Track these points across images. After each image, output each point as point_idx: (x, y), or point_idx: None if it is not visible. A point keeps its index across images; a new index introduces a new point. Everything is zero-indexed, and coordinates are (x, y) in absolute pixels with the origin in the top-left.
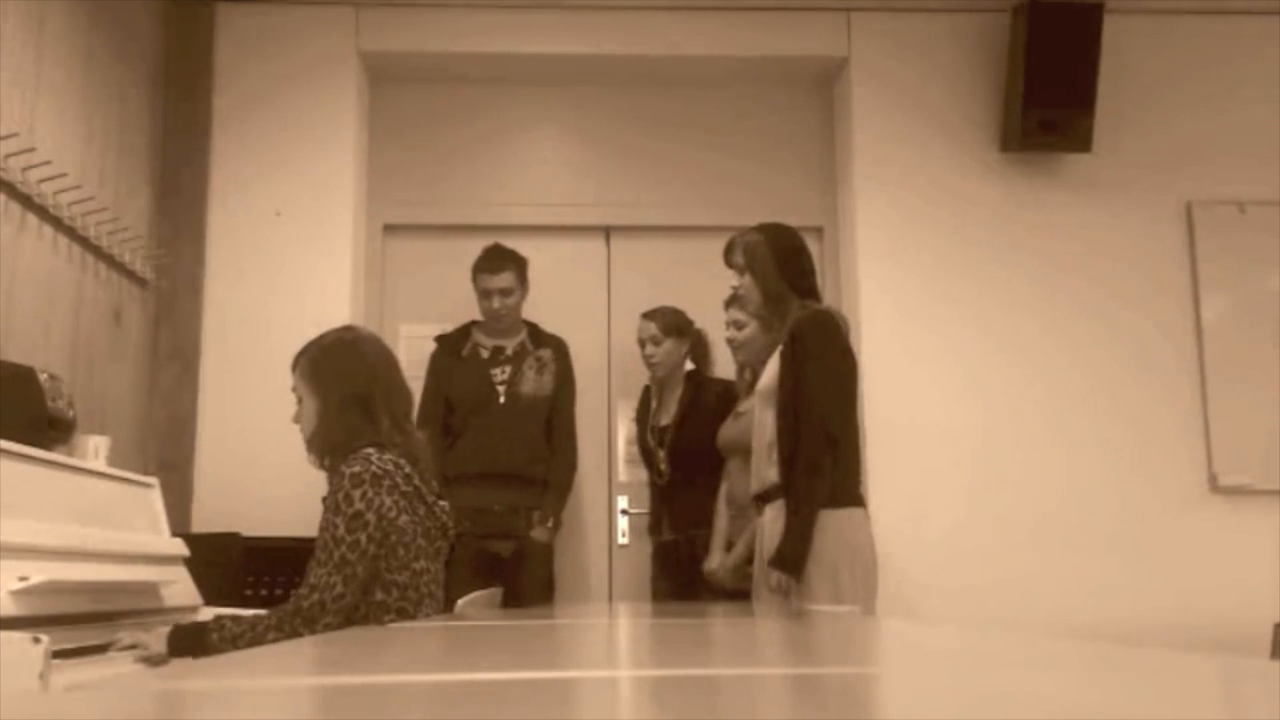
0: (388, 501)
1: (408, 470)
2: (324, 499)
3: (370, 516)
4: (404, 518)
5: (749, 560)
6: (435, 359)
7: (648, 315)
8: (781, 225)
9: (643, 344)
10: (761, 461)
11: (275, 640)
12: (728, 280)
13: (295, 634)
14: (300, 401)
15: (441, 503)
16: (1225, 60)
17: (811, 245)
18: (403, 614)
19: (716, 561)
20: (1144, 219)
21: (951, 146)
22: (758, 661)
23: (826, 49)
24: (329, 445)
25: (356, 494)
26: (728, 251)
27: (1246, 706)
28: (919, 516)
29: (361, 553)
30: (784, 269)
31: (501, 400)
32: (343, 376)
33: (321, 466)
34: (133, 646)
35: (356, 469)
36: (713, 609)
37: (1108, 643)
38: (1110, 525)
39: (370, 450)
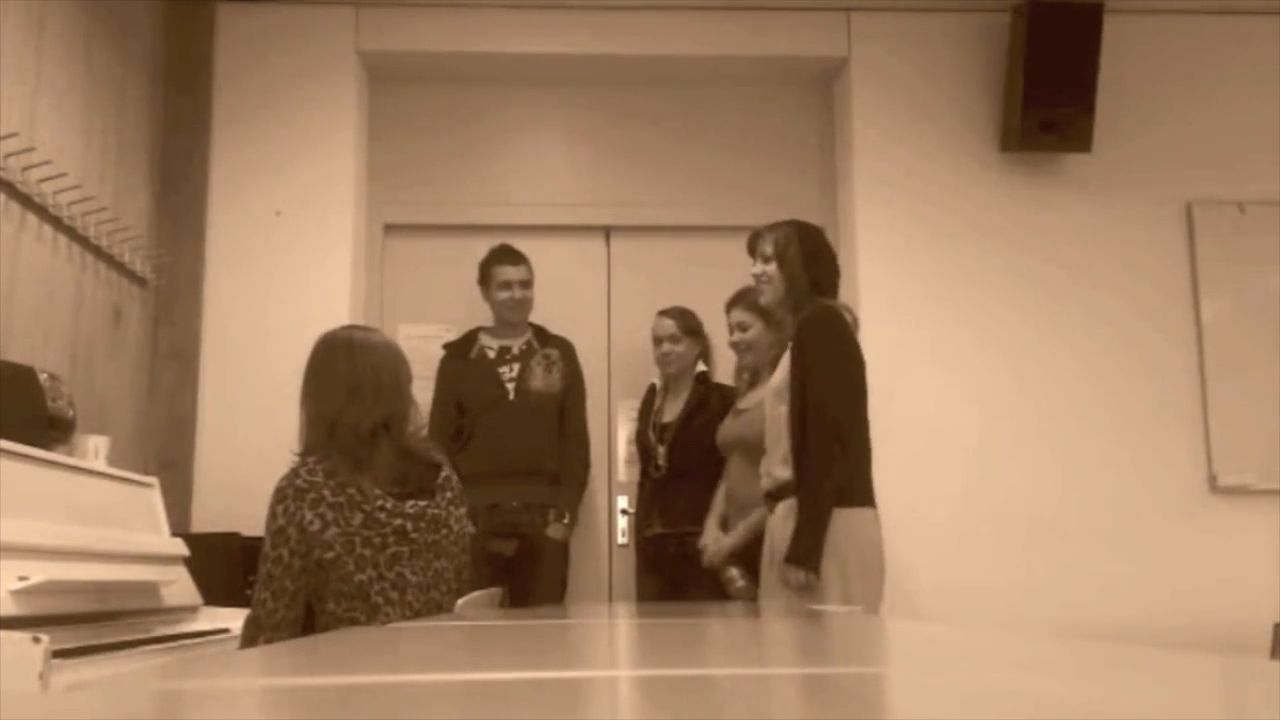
0: (309, 515)
1: (340, 478)
2: None
3: (292, 530)
4: (331, 530)
5: (745, 552)
6: (444, 364)
7: (665, 313)
8: (812, 225)
9: (659, 340)
10: (773, 459)
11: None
12: (728, 280)
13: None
14: None
15: (400, 505)
16: (1225, 60)
17: None
18: (354, 624)
19: (711, 538)
20: (1144, 219)
21: (951, 146)
22: (759, 661)
23: (826, 49)
24: (304, 446)
25: (279, 509)
26: (754, 240)
27: (1246, 706)
28: (918, 516)
29: (285, 567)
30: (812, 265)
31: (511, 397)
32: (315, 395)
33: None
34: None
35: (282, 484)
36: (713, 609)
37: (1108, 643)
38: (1110, 525)
39: (307, 460)
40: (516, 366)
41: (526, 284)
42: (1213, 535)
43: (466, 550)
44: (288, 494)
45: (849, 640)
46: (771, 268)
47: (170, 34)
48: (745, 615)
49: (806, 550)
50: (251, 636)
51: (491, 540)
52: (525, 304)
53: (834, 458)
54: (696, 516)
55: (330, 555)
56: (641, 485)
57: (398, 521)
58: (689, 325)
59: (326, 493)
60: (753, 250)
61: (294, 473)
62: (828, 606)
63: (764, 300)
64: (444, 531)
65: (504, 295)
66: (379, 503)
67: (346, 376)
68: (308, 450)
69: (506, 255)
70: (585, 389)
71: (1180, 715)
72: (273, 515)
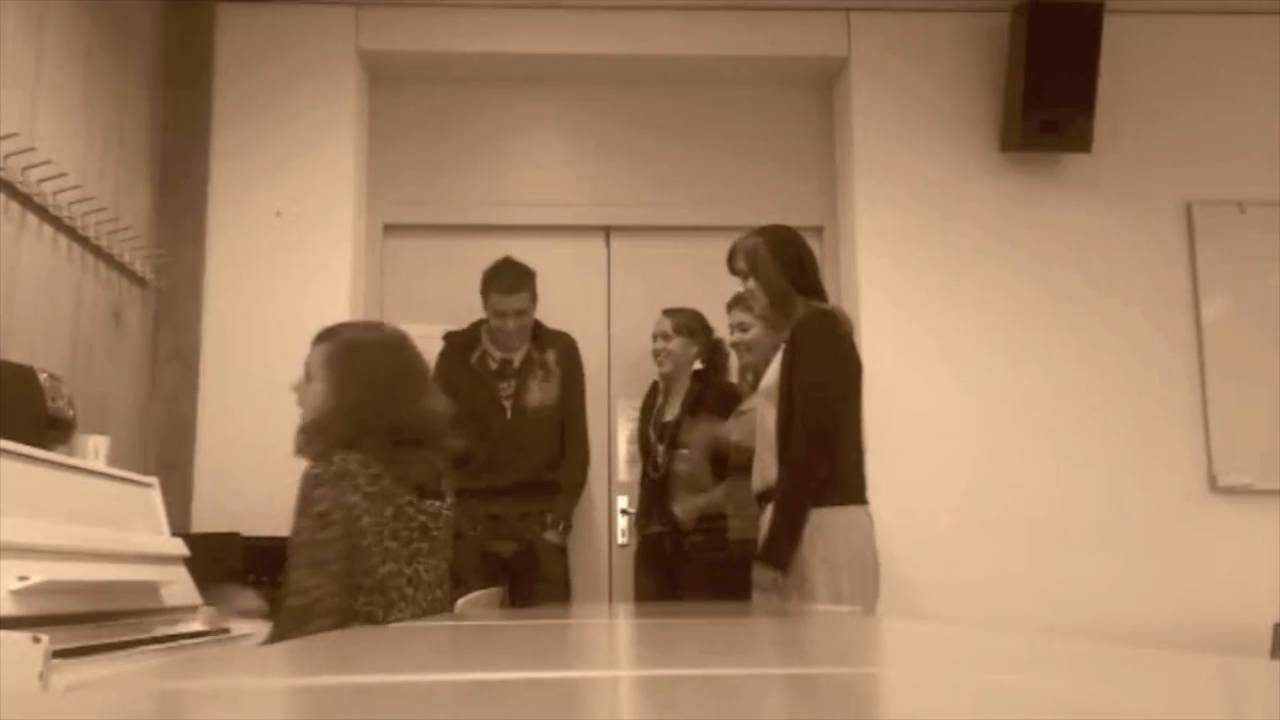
0: (351, 499)
1: (375, 470)
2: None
3: (337, 514)
4: (366, 519)
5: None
6: (443, 361)
7: (667, 312)
8: (781, 227)
9: (654, 338)
10: (764, 460)
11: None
12: (728, 280)
13: (285, 638)
14: (308, 378)
15: (419, 502)
16: (1225, 60)
17: (811, 245)
18: (371, 619)
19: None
20: (1144, 219)
21: (951, 146)
22: (757, 661)
23: (826, 49)
24: (326, 437)
25: (318, 493)
26: (730, 258)
27: (1246, 706)
28: (918, 516)
29: (337, 550)
30: (787, 270)
31: (508, 415)
32: (364, 380)
33: (302, 453)
34: None
35: (317, 471)
36: (711, 609)
37: (1108, 643)
38: (1110, 525)
39: (337, 451)
40: (514, 383)
41: (522, 313)
42: (1213, 535)
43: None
44: (326, 479)
45: (849, 640)
46: (751, 282)
47: (170, 34)
48: (743, 615)
49: (777, 551)
50: (297, 626)
51: (491, 540)
52: (521, 332)
53: (815, 460)
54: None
55: (364, 544)
56: (642, 484)
57: (421, 518)
58: (683, 325)
59: (362, 481)
60: (731, 268)
61: (328, 460)
62: (825, 606)
63: (756, 313)
64: (450, 532)
65: (497, 323)
66: (406, 498)
67: (387, 370)
68: (335, 443)
69: (500, 282)
70: (585, 385)
71: (1180, 715)
72: (310, 500)
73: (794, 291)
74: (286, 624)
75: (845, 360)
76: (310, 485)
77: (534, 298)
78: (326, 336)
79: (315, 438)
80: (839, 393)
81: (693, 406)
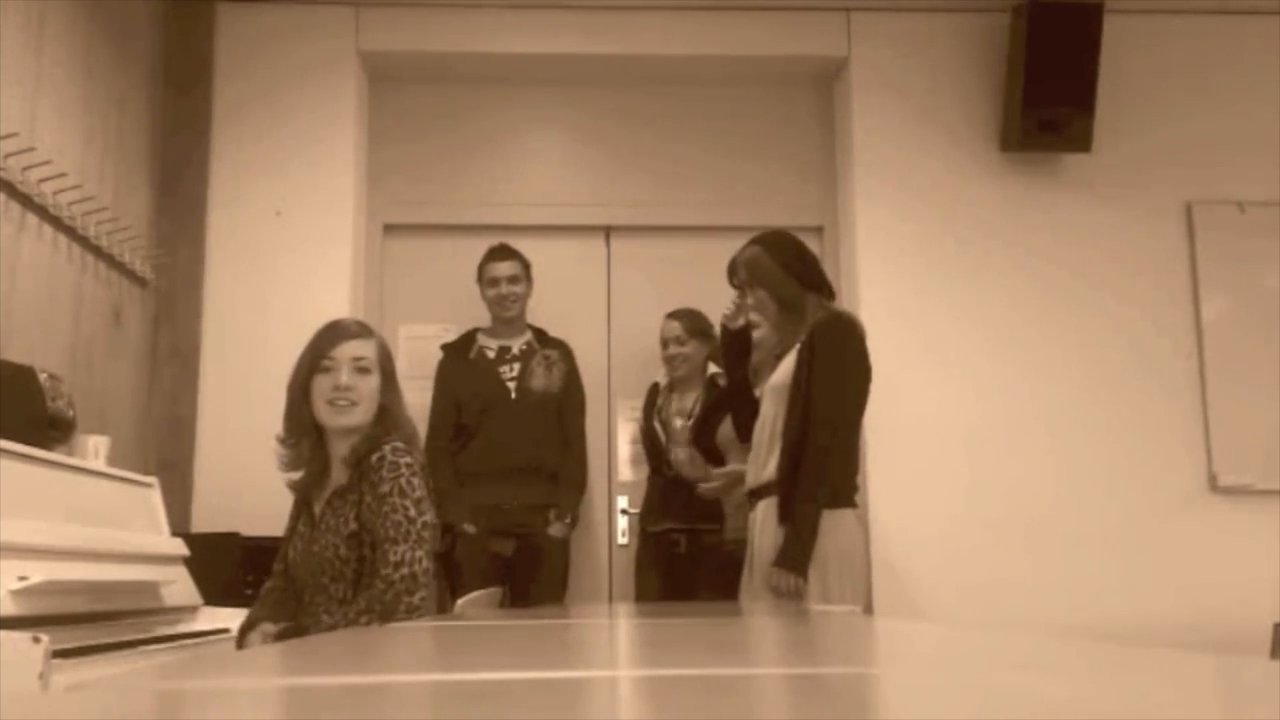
0: (425, 490)
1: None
2: (372, 487)
3: (428, 503)
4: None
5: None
6: (443, 366)
7: (672, 315)
8: (775, 230)
9: (665, 343)
10: (761, 456)
11: (369, 624)
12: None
13: (390, 613)
14: (365, 372)
15: None
16: (1225, 60)
17: (811, 245)
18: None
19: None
20: (1144, 219)
21: (951, 146)
22: (757, 661)
23: (826, 49)
24: (383, 432)
25: (417, 481)
26: (731, 272)
27: (1246, 706)
28: (919, 517)
29: (433, 532)
30: (791, 270)
31: (514, 396)
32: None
33: (351, 452)
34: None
35: (409, 459)
36: (711, 609)
37: (1108, 643)
38: (1110, 525)
39: (400, 444)
40: (518, 366)
41: (515, 279)
42: (1213, 535)
43: None
44: (418, 469)
45: (849, 640)
46: (760, 293)
47: (170, 34)
48: (743, 615)
49: (800, 555)
50: (410, 591)
51: (492, 540)
52: (513, 300)
53: (831, 463)
54: (708, 514)
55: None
56: (651, 482)
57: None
58: (696, 327)
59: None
60: (734, 283)
61: (405, 450)
62: (824, 606)
63: (770, 323)
64: None
65: (491, 292)
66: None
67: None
68: (406, 431)
69: (495, 252)
70: (584, 395)
71: (1180, 715)
72: (411, 486)
73: (803, 290)
74: (386, 594)
75: (863, 368)
76: (408, 472)
77: (527, 276)
78: (373, 330)
79: (380, 433)
80: (858, 402)
81: (711, 410)
